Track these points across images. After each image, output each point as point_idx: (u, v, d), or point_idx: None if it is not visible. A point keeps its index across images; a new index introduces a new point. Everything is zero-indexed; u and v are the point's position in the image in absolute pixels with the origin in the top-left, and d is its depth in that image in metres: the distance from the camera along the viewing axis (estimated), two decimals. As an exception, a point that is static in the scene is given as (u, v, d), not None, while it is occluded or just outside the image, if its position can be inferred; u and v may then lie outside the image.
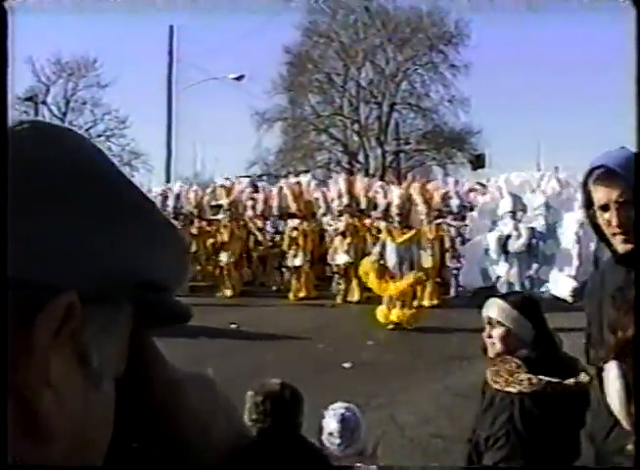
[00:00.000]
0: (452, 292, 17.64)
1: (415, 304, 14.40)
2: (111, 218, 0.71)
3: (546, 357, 3.60)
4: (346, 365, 10.63)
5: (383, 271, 13.90)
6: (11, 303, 0.62)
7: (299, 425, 3.77)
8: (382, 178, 27.30)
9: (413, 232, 13.97)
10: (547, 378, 3.50)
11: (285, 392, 3.78)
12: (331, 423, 4.12)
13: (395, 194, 14.68)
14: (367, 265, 14.33)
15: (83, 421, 0.69)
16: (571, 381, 3.51)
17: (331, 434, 4.10)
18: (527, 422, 3.48)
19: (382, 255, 13.97)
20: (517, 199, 14.38)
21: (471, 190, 19.46)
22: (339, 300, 17.29)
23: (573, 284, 13.79)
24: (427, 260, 14.40)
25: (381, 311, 13.77)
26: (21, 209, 0.63)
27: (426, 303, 15.99)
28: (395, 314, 13.58)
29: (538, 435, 3.48)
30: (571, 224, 13.71)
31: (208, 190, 21.60)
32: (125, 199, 0.75)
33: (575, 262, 13.77)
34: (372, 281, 14.11)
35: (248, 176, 29.05)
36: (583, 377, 3.52)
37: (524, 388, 3.49)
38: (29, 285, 0.63)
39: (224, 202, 19.45)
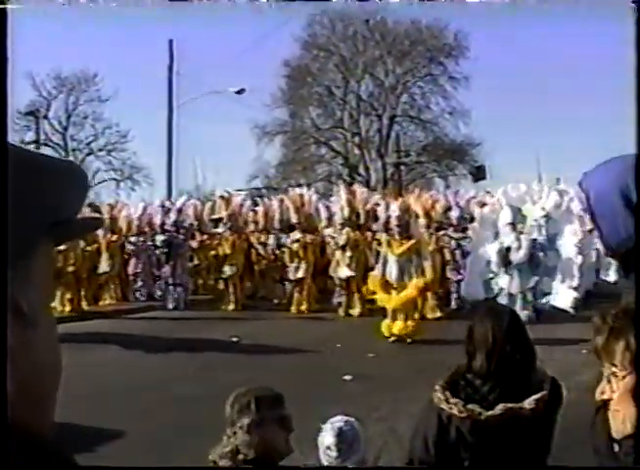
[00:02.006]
0: (453, 304, 17.63)
1: (416, 316, 14.41)
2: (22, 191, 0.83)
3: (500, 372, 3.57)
4: (347, 378, 10.62)
5: (386, 283, 13.93)
6: None
7: (275, 420, 3.73)
8: (383, 191, 27.29)
9: (412, 242, 13.98)
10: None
11: (242, 397, 3.77)
12: (328, 437, 4.12)
13: (395, 206, 14.70)
14: (372, 283, 14.37)
15: (28, 363, 0.80)
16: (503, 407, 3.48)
17: (328, 448, 4.10)
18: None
19: (384, 269, 13.99)
20: (516, 210, 14.41)
21: (472, 198, 19.45)
22: (340, 313, 17.28)
23: (575, 295, 13.86)
24: (428, 271, 14.39)
25: (385, 325, 13.77)
26: None
27: (428, 315, 16.00)
28: (397, 327, 13.58)
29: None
30: (571, 236, 13.74)
31: (208, 204, 21.62)
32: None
33: (577, 274, 13.78)
34: (379, 296, 14.13)
35: (247, 190, 29.07)
36: (529, 403, 3.47)
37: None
38: None
39: (223, 215, 19.47)
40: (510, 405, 3.44)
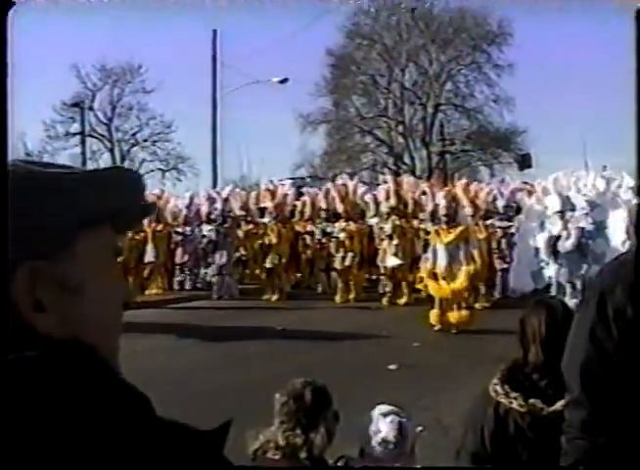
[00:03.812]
0: (499, 293, 17.53)
1: (464, 305, 14.35)
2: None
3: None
4: (392, 367, 10.62)
5: (436, 273, 13.89)
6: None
7: (328, 420, 3.77)
8: (428, 180, 27.15)
9: (460, 229, 13.90)
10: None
11: (306, 390, 3.79)
12: (387, 430, 4.11)
13: (441, 195, 14.64)
14: (422, 273, 14.35)
15: (82, 315, 1.10)
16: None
17: (385, 440, 4.09)
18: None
19: (434, 259, 13.95)
20: (565, 199, 14.26)
21: (517, 190, 19.27)
22: (385, 302, 17.26)
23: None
24: (477, 258, 14.29)
25: (434, 314, 13.72)
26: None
27: (477, 305, 15.91)
28: (452, 317, 13.54)
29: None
30: (619, 222, 13.55)
31: (254, 193, 21.67)
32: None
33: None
34: (429, 286, 14.08)
35: (292, 179, 29.08)
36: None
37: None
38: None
39: (269, 205, 19.52)
40: None
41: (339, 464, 3.91)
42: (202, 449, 1.08)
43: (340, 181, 21.28)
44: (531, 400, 3.45)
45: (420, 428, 4.55)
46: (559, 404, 3.37)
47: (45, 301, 1.05)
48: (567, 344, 2.58)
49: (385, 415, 4.17)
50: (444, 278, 13.76)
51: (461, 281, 13.69)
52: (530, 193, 17.42)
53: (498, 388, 3.53)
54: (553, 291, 13.24)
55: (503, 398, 3.49)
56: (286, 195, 20.44)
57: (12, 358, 1.00)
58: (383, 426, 4.12)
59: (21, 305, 1.04)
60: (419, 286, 15.15)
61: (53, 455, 0.96)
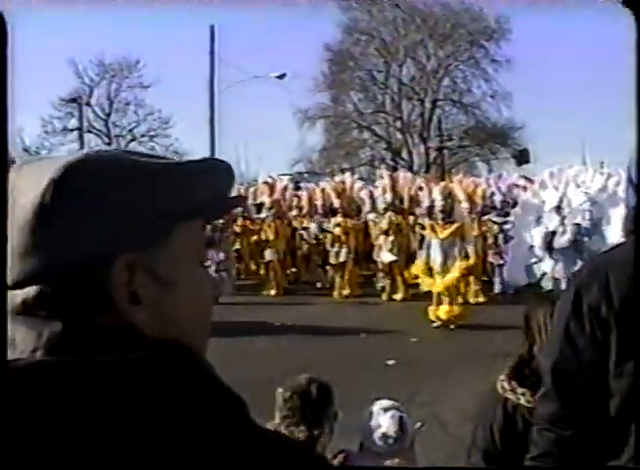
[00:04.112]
0: (495, 289, 17.54)
1: (460, 301, 14.37)
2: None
3: None
4: (390, 362, 10.63)
5: (430, 269, 13.90)
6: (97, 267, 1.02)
7: (330, 418, 3.78)
8: (426, 175, 27.17)
9: (456, 226, 13.91)
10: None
11: (311, 386, 3.80)
12: (388, 424, 4.12)
13: (437, 190, 14.63)
14: (417, 269, 14.36)
15: (175, 310, 1.09)
16: None
17: (386, 435, 4.10)
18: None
19: (428, 255, 13.96)
20: (562, 194, 14.24)
21: (514, 185, 19.27)
22: (383, 297, 17.27)
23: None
24: (472, 254, 14.31)
25: (431, 310, 13.75)
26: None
27: (471, 300, 15.94)
28: (443, 311, 13.55)
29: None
30: (616, 220, 13.55)
31: (251, 189, 21.66)
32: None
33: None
34: (423, 281, 14.11)
35: (289, 174, 29.07)
36: None
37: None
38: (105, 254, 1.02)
39: (266, 200, 19.52)
40: None
41: (338, 459, 3.91)
42: (292, 459, 1.08)
43: (336, 178, 21.32)
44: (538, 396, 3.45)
45: (419, 423, 4.55)
46: None
47: (141, 294, 1.04)
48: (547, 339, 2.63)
49: (385, 410, 4.18)
50: (439, 273, 13.78)
51: (453, 276, 13.72)
52: (526, 189, 17.41)
53: (505, 384, 3.53)
54: (547, 286, 13.24)
55: (511, 394, 3.49)
56: (285, 189, 20.46)
57: (119, 359, 0.99)
58: (383, 421, 4.13)
59: (118, 298, 1.03)
60: (412, 281, 15.13)
61: (159, 458, 0.96)
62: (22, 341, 1.01)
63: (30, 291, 1.02)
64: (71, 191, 1.02)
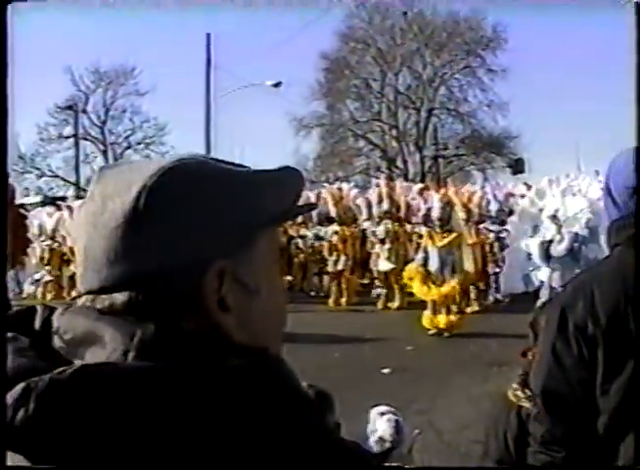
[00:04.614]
0: (492, 297, 17.54)
1: (455, 309, 14.35)
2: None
3: None
4: (386, 371, 10.62)
5: (426, 277, 13.88)
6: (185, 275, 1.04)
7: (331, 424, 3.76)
8: (422, 183, 27.20)
9: (454, 235, 13.92)
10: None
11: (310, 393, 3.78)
12: (384, 428, 4.12)
13: (435, 198, 14.64)
14: (411, 272, 14.31)
15: (259, 317, 1.12)
16: None
17: (382, 439, 4.09)
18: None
19: (425, 260, 13.95)
20: (559, 203, 14.27)
21: (510, 194, 19.28)
22: (379, 305, 17.26)
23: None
24: (469, 264, 14.31)
25: (426, 317, 13.74)
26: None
27: (468, 308, 15.93)
28: (440, 321, 13.54)
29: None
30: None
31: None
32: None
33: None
34: (416, 287, 14.09)
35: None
36: None
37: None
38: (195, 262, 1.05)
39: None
40: None
41: None
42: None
43: (332, 185, 21.33)
44: None
45: (417, 431, 4.55)
46: None
47: (229, 300, 1.07)
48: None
49: (382, 414, 4.18)
50: (435, 282, 13.77)
51: (451, 286, 13.70)
52: (523, 196, 17.44)
53: (519, 393, 3.52)
54: (544, 295, 13.23)
55: (525, 402, 3.48)
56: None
57: (216, 367, 0.99)
58: (380, 425, 4.13)
59: (207, 304, 1.06)
60: (408, 285, 15.08)
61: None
62: (113, 340, 1.01)
63: (119, 296, 1.04)
64: (165, 197, 1.04)
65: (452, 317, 13.66)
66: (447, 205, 14.41)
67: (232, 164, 1.16)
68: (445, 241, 13.77)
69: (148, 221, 1.03)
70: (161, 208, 1.03)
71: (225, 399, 0.97)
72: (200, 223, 1.04)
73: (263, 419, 0.98)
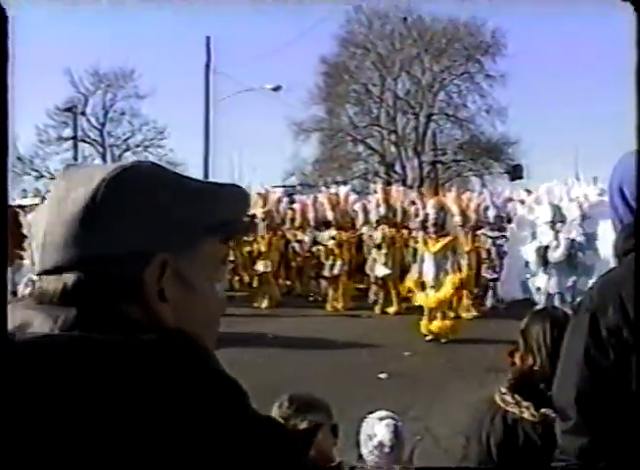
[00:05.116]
0: (488, 303, 17.54)
1: (452, 315, 14.34)
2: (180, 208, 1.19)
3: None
4: (382, 376, 10.61)
5: (423, 284, 13.89)
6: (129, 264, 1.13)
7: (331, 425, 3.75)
8: (419, 189, 27.23)
9: (449, 239, 13.92)
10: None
11: (311, 396, 3.78)
12: (383, 433, 4.11)
13: (431, 204, 14.64)
14: (410, 283, 14.35)
15: (192, 312, 1.20)
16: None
17: (381, 443, 4.09)
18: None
19: (421, 268, 13.95)
20: (556, 209, 14.25)
21: (509, 200, 19.27)
22: (376, 311, 17.25)
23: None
24: (464, 268, 14.31)
25: (423, 324, 13.74)
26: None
27: (463, 314, 15.93)
28: (435, 326, 13.55)
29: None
30: (607, 233, 13.55)
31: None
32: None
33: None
34: (415, 296, 14.11)
35: (283, 186, 29.05)
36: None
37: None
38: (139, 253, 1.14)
39: (259, 211, 19.49)
40: None
41: None
42: (291, 448, 1.17)
43: (330, 190, 21.32)
44: (543, 410, 3.42)
45: (418, 437, 4.56)
46: None
47: (168, 291, 1.16)
48: (557, 371, 2.52)
49: (381, 419, 4.18)
50: (432, 287, 13.77)
51: (446, 290, 13.71)
52: (523, 202, 17.42)
53: (508, 397, 3.50)
54: (541, 301, 13.22)
55: (513, 407, 3.47)
56: (279, 201, 20.44)
57: (128, 340, 1.07)
58: (379, 430, 4.13)
59: (149, 292, 1.15)
60: (406, 295, 15.12)
61: (156, 431, 1.02)
62: (41, 325, 1.11)
63: (69, 276, 1.14)
64: (121, 190, 1.15)
65: (447, 322, 13.66)
66: (442, 210, 14.41)
67: (181, 174, 1.27)
68: (439, 245, 13.76)
69: (104, 211, 1.13)
70: (117, 199, 1.14)
71: (128, 368, 1.04)
72: (149, 218, 1.15)
73: (164, 388, 1.04)
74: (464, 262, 14.33)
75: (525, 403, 3.45)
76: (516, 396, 3.48)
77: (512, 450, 3.44)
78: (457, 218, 15.75)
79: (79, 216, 1.13)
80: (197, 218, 1.20)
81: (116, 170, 1.16)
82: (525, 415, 3.42)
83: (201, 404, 1.06)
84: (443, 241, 13.84)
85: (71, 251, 1.13)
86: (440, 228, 14.04)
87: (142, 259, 1.14)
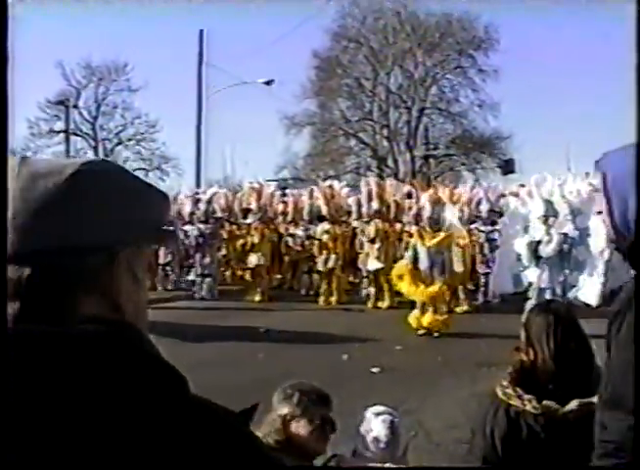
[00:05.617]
0: (481, 297, 17.56)
1: (445, 309, 14.33)
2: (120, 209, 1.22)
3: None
4: (375, 370, 10.61)
5: (415, 275, 13.84)
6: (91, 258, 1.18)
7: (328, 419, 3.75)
8: (411, 181, 27.22)
9: (444, 235, 13.92)
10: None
11: (313, 387, 3.78)
12: (379, 428, 4.11)
13: (425, 197, 14.64)
14: (400, 269, 14.27)
15: (138, 305, 1.27)
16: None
17: (377, 438, 4.09)
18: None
19: (414, 258, 13.92)
20: (548, 204, 14.25)
21: (502, 195, 19.26)
22: (369, 305, 17.26)
23: (599, 289, 13.71)
24: (458, 265, 14.31)
25: (413, 317, 13.73)
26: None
27: (457, 308, 15.95)
28: (427, 320, 13.54)
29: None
30: (599, 228, 13.54)
31: (238, 194, 21.60)
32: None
33: (603, 268, 13.61)
34: (404, 285, 14.05)
35: (276, 180, 29.03)
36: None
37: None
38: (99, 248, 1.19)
39: (253, 205, 19.49)
40: (585, 401, 3.36)
41: (331, 463, 3.89)
42: (230, 427, 1.20)
43: (323, 184, 21.31)
44: (545, 402, 3.43)
45: (412, 433, 4.56)
46: (573, 404, 3.37)
47: (122, 284, 1.24)
48: (616, 359, 2.39)
49: (377, 414, 4.18)
50: (424, 281, 13.75)
51: (439, 286, 13.69)
52: (516, 195, 17.41)
53: (509, 390, 3.51)
54: (533, 295, 13.23)
55: (516, 400, 3.47)
56: (272, 195, 20.42)
57: (78, 331, 1.11)
58: (375, 425, 4.13)
59: (104, 283, 1.21)
60: (396, 283, 15.00)
61: (105, 420, 1.06)
62: None
63: (25, 269, 1.15)
64: (90, 185, 1.18)
65: (438, 317, 13.65)
66: (437, 203, 14.41)
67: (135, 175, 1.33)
68: (434, 241, 13.76)
69: (72, 202, 1.16)
70: (87, 193, 1.17)
71: (74, 358, 1.08)
72: (110, 213, 1.19)
73: (107, 376, 1.08)
74: (459, 258, 14.34)
75: (526, 396, 3.46)
76: (517, 388, 3.49)
77: (516, 443, 3.44)
78: (456, 213, 15.72)
79: (48, 207, 1.15)
80: (143, 218, 1.25)
81: (87, 164, 1.21)
82: (528, 408, 3.43)
83: (144, 389, 1.10)
84: (440, 236, 13.84)
85: (34, 240, 1.15)
86: (436, 222, 14.04)
87: (101, 252, 1.19)
